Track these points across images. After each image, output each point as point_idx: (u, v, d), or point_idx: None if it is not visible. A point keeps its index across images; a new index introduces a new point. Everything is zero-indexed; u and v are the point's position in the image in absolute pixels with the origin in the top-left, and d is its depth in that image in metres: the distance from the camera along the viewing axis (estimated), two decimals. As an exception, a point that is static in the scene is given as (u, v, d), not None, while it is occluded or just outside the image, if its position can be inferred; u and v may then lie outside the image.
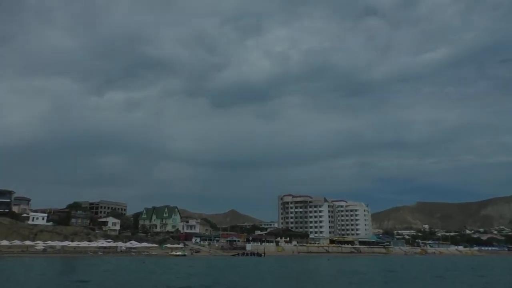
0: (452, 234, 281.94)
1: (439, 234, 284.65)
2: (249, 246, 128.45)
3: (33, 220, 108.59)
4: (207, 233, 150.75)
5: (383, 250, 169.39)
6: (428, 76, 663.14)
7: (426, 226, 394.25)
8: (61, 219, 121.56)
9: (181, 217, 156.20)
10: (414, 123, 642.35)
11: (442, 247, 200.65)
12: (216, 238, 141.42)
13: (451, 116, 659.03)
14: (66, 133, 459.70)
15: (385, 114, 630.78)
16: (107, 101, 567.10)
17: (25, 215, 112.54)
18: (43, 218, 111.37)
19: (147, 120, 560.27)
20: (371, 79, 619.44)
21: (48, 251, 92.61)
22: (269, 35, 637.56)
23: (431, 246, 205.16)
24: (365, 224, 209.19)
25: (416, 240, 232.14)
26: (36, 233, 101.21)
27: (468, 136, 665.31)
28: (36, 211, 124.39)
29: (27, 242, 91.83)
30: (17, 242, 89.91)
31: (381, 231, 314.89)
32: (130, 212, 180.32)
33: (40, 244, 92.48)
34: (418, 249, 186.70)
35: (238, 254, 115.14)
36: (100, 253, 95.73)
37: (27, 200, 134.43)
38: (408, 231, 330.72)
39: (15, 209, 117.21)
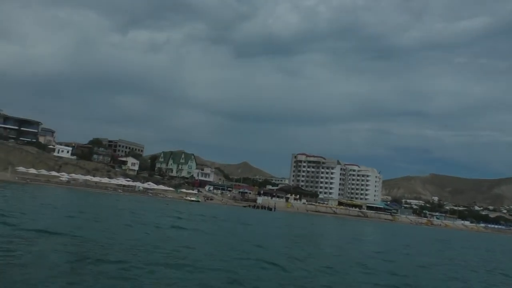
0: (460, 208, 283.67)
1: (447, 207, 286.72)
2: (260, 199, 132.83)
3: (58, 152, 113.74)
4: (220, 182, 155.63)
5: (389, 217, 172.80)
6: (461, 46, 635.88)
7: (436, 198, 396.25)
8: (83, 154, 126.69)
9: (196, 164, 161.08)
10: (438, 94, 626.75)
11: (448, 220, 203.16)
12: (229, 188, 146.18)
13: (478, 90, 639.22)
14: (88, 68, 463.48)
15: (409, 82, 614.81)
16: (131, 40, 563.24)
17: (50, 146, 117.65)
18: (67, 152, 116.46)
19: (169, 63, 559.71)
20: (400, 44, 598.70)
21: (72, 183, 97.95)
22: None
23: (437, 218, 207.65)
24: (375, 190, 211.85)
25: (424, 211, 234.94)
26: (61, 165, 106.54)
27: (492, 112, 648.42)
28: (60, 143, 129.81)
29: (53, 173, 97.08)
30: (43, 172, 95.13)
31: (389, 198, 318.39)
32: (146, 153, 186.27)
33: (64, 176, 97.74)
34: (424, 220, 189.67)
35: (249, 205, 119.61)
36: (120, 191, 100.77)
37: (51, 132, 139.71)
38: (417, 201, 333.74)
39: (41, 139, 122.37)
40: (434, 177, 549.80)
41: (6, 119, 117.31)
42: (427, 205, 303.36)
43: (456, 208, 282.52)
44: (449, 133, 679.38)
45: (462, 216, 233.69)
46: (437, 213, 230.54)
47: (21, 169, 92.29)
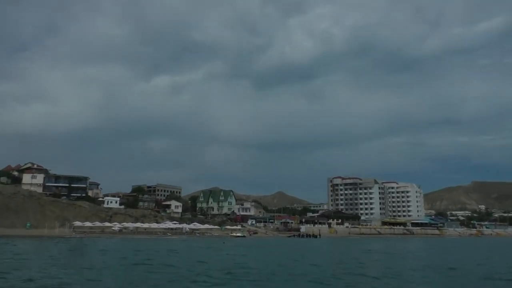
0: (510, 214, 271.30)
1: (496, 215, 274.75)
2: (303, 228, 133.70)
3: (107, 204, 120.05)
4: (260, 215, 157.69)
5: (436, 232, 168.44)
6: (483, 48, 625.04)
7: (482, 207, 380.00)
8: (129, 202, 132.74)
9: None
10: (467, 99, 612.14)
11: (499, 229, 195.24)
12: (270, 220, 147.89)
13: (509, 89, 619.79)
14: (118, 118, 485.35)
15: (435, 90, 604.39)
16: (154, 86, 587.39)
17: (100, 199, 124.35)
18: (116, 202, 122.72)
19: (193, 103, 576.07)
20: (420, 54, 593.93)
21: (123, 231, 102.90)
22: (312, 12, 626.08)
23: (487, 228, 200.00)
24: (417, 206, 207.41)
25: (472, 221, 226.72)
26: (111, 215, 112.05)
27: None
28: (106, 195, 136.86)
29: (106, 224, 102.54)
30: (97, 224, 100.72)
31: (433, 212, 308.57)
32: (183, 194, 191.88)
33: (117, 225, 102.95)
34: (473, 231, 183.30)
35: (294, 235, 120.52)
36: (168, 234, 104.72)
37: (97, 185, 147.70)
38: (463, 212, 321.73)
39: (89, 193, 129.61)
40: (477, 185, 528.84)
41: (57, 178, 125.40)
42: (474, 214, 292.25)
43: (505, 214, 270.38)
44: (486, 137, 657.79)
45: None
46: (486, 222, 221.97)
47: (77, 223, 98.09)
